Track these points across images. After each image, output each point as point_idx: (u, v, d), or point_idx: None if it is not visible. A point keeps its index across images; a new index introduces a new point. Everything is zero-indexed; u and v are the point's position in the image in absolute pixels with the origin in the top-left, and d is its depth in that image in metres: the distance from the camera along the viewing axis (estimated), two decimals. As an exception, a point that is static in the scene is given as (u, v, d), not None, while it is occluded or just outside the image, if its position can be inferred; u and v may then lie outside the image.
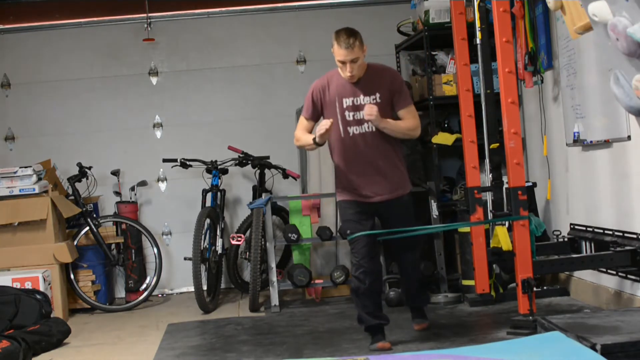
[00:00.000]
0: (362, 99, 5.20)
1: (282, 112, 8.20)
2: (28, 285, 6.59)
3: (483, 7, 5.86)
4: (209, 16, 8.32)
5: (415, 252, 5.47)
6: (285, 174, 7.65)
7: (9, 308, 6.10)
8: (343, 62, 5.14)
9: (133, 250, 7.73)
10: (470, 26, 6.31)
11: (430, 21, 7.06)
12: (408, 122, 5.26)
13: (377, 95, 5.22)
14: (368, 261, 5.15)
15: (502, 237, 5.28)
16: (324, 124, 5.11)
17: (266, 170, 7.68)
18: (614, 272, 5.42)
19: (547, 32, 6.33)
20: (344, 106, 5.22)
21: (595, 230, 5.71)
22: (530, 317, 5.03)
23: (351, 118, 5.21)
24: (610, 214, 5.57)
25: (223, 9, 8.29)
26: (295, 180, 7.83)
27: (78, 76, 8.22)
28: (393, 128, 5.20)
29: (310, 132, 5.36)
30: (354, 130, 5.21)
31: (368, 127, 5.20)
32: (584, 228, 5.89)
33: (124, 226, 7.72)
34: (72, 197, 7.37)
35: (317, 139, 5.17)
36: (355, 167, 5.24)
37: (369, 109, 5.11)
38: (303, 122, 5.39)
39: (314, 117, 5.36)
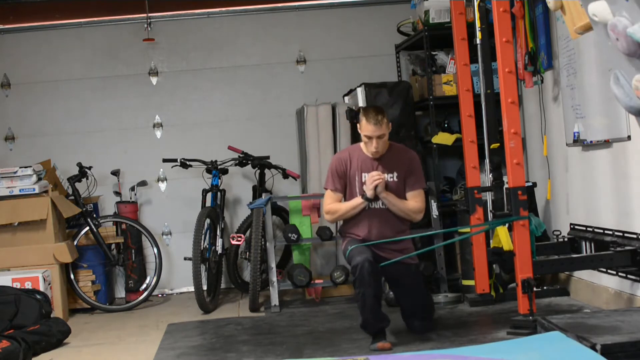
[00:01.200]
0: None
1: (282, 112, 8.20)
2: (28, 285, 6.59)
3: (483, 7, 5.86)
4: (209, 16, 8.32)
5: (428, 320, 5.54)
6: (285, 174, 7.65)
7: (9, 308, 6.09)
8: (370, 138, 5.35)
9: (133, 250, 7.73)
10: (470, 26, 6.32)
11: (430, 21, 7.07)
12: (412, 203, 5.45)
13: (395, 174, 5.45)
14: (368, 262, 5.16)
15: (503, 237, 5.28)
16: (374, 176, 5.30)
17: (266, 170, 7.68)
18: (614, 272, 5.42)
19: (547, 32, 6.33)
20: (364, 180, 5.40)
21: (595, 230, 5.71)
22: (530, 317, 5.03)
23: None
24: (610, 214, 5.57)
25: (223, 9, 8.28)
26: (295, 180, 7.83)
27: (78, 76, 8.22)
28: (395, 202, 5.40)
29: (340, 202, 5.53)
30: (370, 204, 5.41)
31: (385, 204, 5.41)
32: (584, 228, 5.89)
33: (124, 226, 7.72)
34: (72, 197, 7.37)
35: (367, 194, 5.35)
36: (366, 234, 5.44)
37: (375, 174, 5.31)
38: (331, 195, 5.53)
39: (341, 189, 5.52)
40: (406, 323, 5.54)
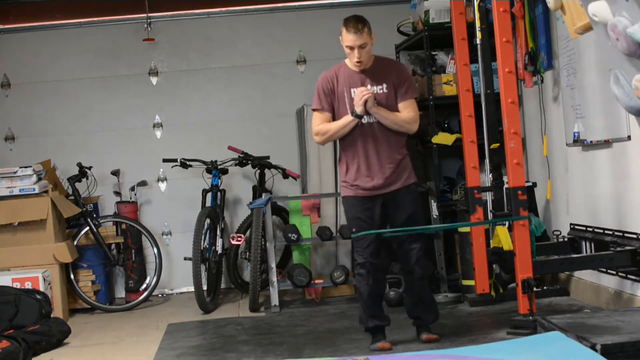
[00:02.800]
0: (369, 87, 5.20)
1: (282, 112, 8.20)
2: (28, 285, 6.59)
3: (483, 7, 5.85)
4: (209, 16, 8.32)
5: (419, 244, 5.29)
6: (285, 174, 7.65)
7: (9, 308, 6.09)
8: (351, 48, 5.16)
9: (133, 250, 7.73)
10: (470, 26, 6.31)
11: (430, 21, 7.06)
12: (404, 114, 5.23)
13: (384, 85, 5.24)
14: (373, 260, 5.14)
15: (503, 237, 5.28)
16: (363, 91, 5.09)
17: (266, 170, 7.68)
18: (614, 272, 5.42)
19: (547, 32, 6.33)
20: (352, 95, 5.21)
21: (595, 230, 5.71)
22: (530, 317, 5.03)
23: None
24: (610, 214, 5.57)
25: (223, 9, 8.28)
26: (295, 180, 7.83)
27: (78, 76, 8.22)
28: (386, 115, 5.18)
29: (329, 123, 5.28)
30: (362, 121, 5.20)
31: (377, 118, 5.20)
32: (584, 228, 5.89)
33: (124, 226, 7.72)
34: (72, 197, 7.37)
35: (357, 111, 5.12)
36: (363, 157, 5.21)
37: (363, 89, 5.12)
38: (319, 115, 5.29)
39: (329, 108, 5.28)
40: (409, 308, 5.38)
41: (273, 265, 6.86)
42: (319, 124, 5.29)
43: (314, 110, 5.33)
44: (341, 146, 5.35)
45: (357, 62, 5.18)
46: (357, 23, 5.15)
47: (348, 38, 5.15)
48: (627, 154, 5.26)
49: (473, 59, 6.37)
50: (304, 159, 7.63)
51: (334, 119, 5.28)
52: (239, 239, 7.19)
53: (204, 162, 7.51)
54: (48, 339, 5.89)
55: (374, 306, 5.22)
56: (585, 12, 4.28)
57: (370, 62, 5.27)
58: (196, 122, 8.29)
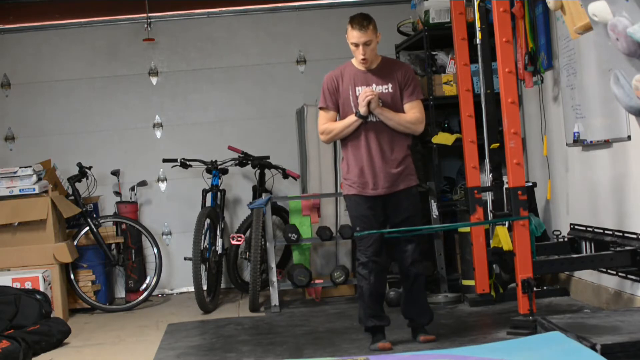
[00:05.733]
0: (374, 87, 5.22)
1: (282, 112, 8.20)
2: (28, 285, 6.59)
3: (483, 7, 5.86)
4: (209, 16, 8.32)
5: (414, 244, 5.28)
6: (285, 174, 7.65)
7: (9, 308, 6.09)
8: (356, 45, 5.18)
9: (133, 250, 7.73)
10: (470, 26, 6.32)
11: (430, 21, 7.06)
12: (410, 114, 5.24)
13: (390, 85, 5.25)
14: (376, 258, 5.15)
15: (502, 237, 5.28)
16: (367, 92, 5.11)
17: (266, 170, 7.68)
18: (614, 272, 5.42)
19: (547, 32, 6.33)
20: (357, 94, 5.21)
21: (595, 230, 5.71)
22: (530, 317, 5.03)
23: None
24: (610, 214, 5.57)
25: (223, 9, 8.28)
26: (295, 180, 7.83)
27: (78, 76, 8.22)
28: (391, 117, 5.19)
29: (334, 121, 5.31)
30: (366, 120, 5.20)
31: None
32: (584, 228, 5.89)
33: (124, 226, 7.72)
34: (72, 197, 7.37)
35: (361, 111, 5.14)
36: (366, 157, 5.21)
37: (367, 90, 5.14)
38: (325, 115, 5.31)
39: (334, 106, 5.30)
40: (404, 309, 5.38)
41: (273, 265, 6.86)
42: (324, 122, 5.31)
43: (319, 108, 5.35)
44: (343, 144, 5.35)
45: (362, 59, 5.19)
46: (362, 20, 5.15)
47: (353, 35, 5.17)
48: (627, 154, 5.26)
49: (473, 59, 6.38)
50: (304, 159, 7.63)
51: (341, 117, 5.30)
52: (239, 239, 7.19)
53: (204, 162, 7.51)
54: (48, 339, 5.89)
55: (375, 306, 5.22)
56: (585, 12, 4.28)
57: (377, 62, 5.29)
58: (196, 122, 8.29)
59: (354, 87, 5.24)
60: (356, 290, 5.26)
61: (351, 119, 5.20)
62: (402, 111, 5.24)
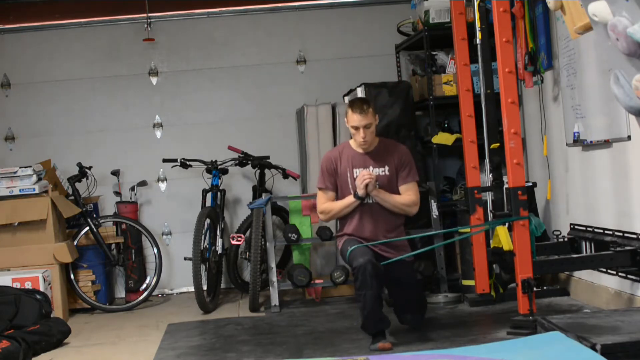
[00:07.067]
0: (372, 169, 5.45)
1: (282, 112, 8.20)
2: (28, 285, 6.59)
3: (483, 7, 5.86)
4: (209, 16, 8.32)
5: (415, 291, 5.55)
6: (285, 174, 7.65)
7: (9, 308, 6.10)
8: (357, 128, 5.40)
9: (133, 250, 7.73)
10: (470, 26, 6.32)
11: (430, 21, 7.06)
12: (405, 197, 5.47)
13: (387, 167, 5.48)
14: (372, 261, 5.16)
15: (503, 237, 5.28)
16: (365, 175, 5.34)
17: (266, 170, 7.68)
18: (614, 272, 5.42)
19: (547, 32, 6.33)
20: (355, 176, 5.43)
21: (595, 230, 5.71)
22: (530, 317, 5.03)
23: None
24: (610, 214, 5.57)
25: (223, 9, 8.28)
26: (295, 180, 7.83)
27: (78, 76, 8.22)
28: (387, 199, 5.43)
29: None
30: (364, 201, 5.42)
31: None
32: (584, 228, 5.89)
33: (124, 226, 7.72)
34: (72, 197, 7.37)
35: (359, 193, 5.38)
36: (360, 232, 5.47)
37: (365, 173, 5.35)
38: (323, 195, 5.57)
39: (333, 187, 5.55)
40: (398, 316, 5.55)
41: (273, 265, 6.86)
42: (324, 202, 5.57)
43: (319, 188, 5.59)
44: (340, 219, 5.62)
45: (362, 141, 5.40)
46: (362, 104, 5.40)
47: (354, 118, 5.39)
48: (627, 154, 5.26)
49: (473, 59, 6.38)
50: (304, 159, 7.63)
51: (339, 196, 5.54)
52: (239, 239, 7.19)
53: (204, 162, 7.51)
54: (48, 339, 5.89)
55: (377, 309, 5.21)
56: (585, 12, 4.28)
57: (374, 144, 5.52)
58: (196, 122, 8.29)
59: (351, 169, 5.47)
60: (356, 299, 5.27)
61: (349, 199, 5.45)
62: (398, 191, 5.48)
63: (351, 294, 7.12)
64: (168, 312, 7.23)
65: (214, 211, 7.30)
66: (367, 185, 5.34)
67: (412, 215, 5.62)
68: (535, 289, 5.15)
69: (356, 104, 5.41)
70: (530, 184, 6.43)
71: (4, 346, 5.38)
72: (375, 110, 5.46)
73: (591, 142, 5.73)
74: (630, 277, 5.27)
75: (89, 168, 7.50)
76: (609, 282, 5.63)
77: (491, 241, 5.52)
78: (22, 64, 8.18)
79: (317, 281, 7.00)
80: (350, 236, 5.51)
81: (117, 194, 7.96)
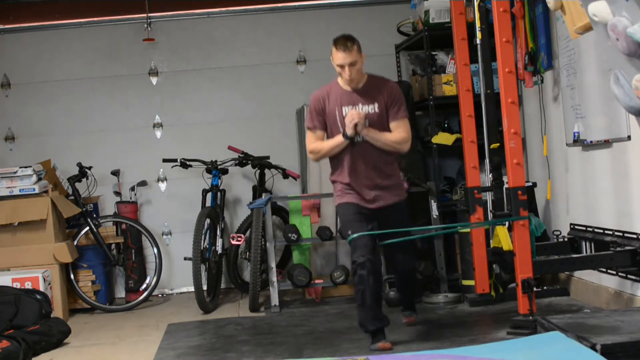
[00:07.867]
0: (360, 107, 5.27)
1: (282, 112, 8.20)
2: (28, 285, 6.59)
3: (483, 7, 5.86)
4: (209, 16, 8.32)
5: (410, 255, 5.50)
6: (285, 174, 7.65)
7: (9, 308, 6.09)
8: (342, 66, 5.23)
9: (133, 250, 7.73)
10: (470, 26, 6.32)
11: (430, 21, 7.07)
12: (395, 134, 5.30)
13: (376, 105, 5.30)
14: (371, 257, 5.15)
15: (502, 237, 5.28)
16: (353, 115, 5.16)
17: (266, 170, 7.68)
18: (614, 272, 5.42)
19: (547, 32, 6.33)
20: (344, 114, 5.27)
21: (595, 230, 5.71)
22: (530, 317, 5.03)
23: None
24: (610, 214, 5.57)
25: (223, 9, 8.28)
26: (295, 180, 7.83)
27: (78, 76, 8.22)
28: (377, 137, 5.26)
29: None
30: (354, 140, 5.27)
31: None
32: (584, 228, 5.89)
33: (124, 226, 7.72)
34: (72, 197, 7.37)
35: (348, 133, 5.19)
36: (354, 175, 5.30)
37: (353, 113, 5.19)
38: (312, 134, 5.39)
39: (322, 126, 5.38)
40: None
41: (273, 265, 6.86)
42: (313, 142, 5.39)
43: (307, 128, 5.43)
44: (331, 160, 5.43)
45: (349, 79, 5.24)
46: (346, 41, 5.21)
47: (338, 56, 5.23)
48: (627, 154, 5.26)
49: (473, 59, 6.38)
50: (304, 159, 7.64)
51: (328, 136, 5.37)
52: (239, 239, 7.19)
53: (204, 162, 7.51)
54: (48, 339, 5.89)
55: (376, 307, 5.20)
56: (585, 12, 4.29)
57: (363, 82, 5.33)
58: (196, 122, 8.29)
59: (340, 107, 5.29)
60: (356, 296, 5.24)
61: (339, 139, 5.27)
62: (389, 129, 5.30)
63: (351, 294, 7.12)
64: (168, 312, 7.23)
65: (214, 211, 7.30)
66: (356, 125, 5.17)
67: (404, 153, 5.43)
68: (535, 289, 5.15)
69: (340, 42, 5.20)
70: (530, 184, 6.43)
71: (4, 346, 5.38)
72: (360, 48, 5.26)
73: (591, 142, 5.73)
74: (630, 277, 5.27)
75: (89, 168, 7.50)
76: (609, 282, 5.63)
77: (491, 241, 5.53)
78: (22, 64, 8.18)
79: (317, 281, 7.01)
80: (345, 187, 5.32)
81: (117, 194, 7.96)
